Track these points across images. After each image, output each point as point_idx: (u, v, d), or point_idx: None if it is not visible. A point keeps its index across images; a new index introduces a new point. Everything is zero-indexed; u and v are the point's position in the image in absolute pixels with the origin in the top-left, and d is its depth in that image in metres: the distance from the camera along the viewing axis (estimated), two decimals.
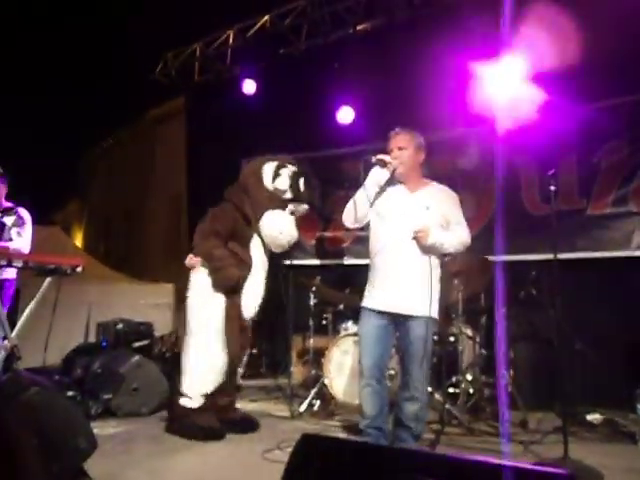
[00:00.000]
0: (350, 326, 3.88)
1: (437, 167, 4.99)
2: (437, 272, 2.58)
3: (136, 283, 6.76)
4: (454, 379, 3.57)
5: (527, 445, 2.86)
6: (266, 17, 5.49)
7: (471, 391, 3.53)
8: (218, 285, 3.07)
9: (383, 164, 2.54)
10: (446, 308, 3.77)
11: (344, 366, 3.62)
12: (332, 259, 5.38)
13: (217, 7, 6.19)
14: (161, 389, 3.59)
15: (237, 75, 5.66)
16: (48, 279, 2.95)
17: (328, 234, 5.44)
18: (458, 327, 3.64)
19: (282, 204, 3.21)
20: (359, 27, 5.10)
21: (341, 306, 4.09)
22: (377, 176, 2.56)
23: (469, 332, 3.76)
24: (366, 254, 5.60)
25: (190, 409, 3.00)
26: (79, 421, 2.05)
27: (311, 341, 4.08)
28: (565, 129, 4.04)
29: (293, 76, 5.24)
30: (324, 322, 4.15)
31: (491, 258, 4.09)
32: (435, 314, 2.51)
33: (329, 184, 5.55)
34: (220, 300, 3.10)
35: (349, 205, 2.63)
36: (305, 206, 3.30)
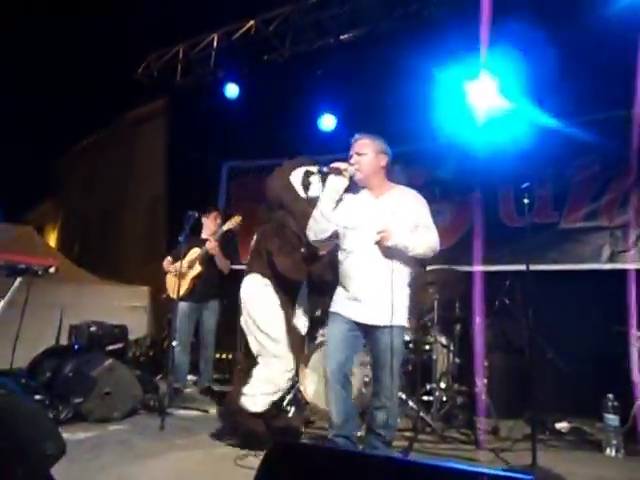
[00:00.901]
0: (326, 333, 3.88)
1: (416, 177, 5.09)
2: (406, 279, 2.53)
3: (111, 285, 6.65)
4: (428, 387, 3.60)
5: (498, 452, 2.90)
6: (251, 22, 5.52)
7: (444, 399, 3.57)
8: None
9: (338, 172, 2.51)
10: (421, 317, 3.82)
11: (320, 372, 3.61)
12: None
13: (202, 10, 6.18)
14: (134, 393, 3.53)
15: (220, 79, 5.66)
16: (19, 279, 2.87)
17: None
18: (433, 336, 3.68)
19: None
20: (342, 36, 5.15)
21: (318, 312, 4.10)
22: (334, 185, 2.53)
23: (443, 341, 3.80)
24: None
25: (247, 412, 2.88)
26: (46, 425, 2.00)
27: None
28: (541, 143, 4.16)
29: (276, 82, 5.26)
30: None
31: (467, 268, 4.17)
32: (402, 322, 2.47)
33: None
34: (281, 311, 3.00)
35: (311, 219, 2.58)
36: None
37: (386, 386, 2.43)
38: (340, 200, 2.57)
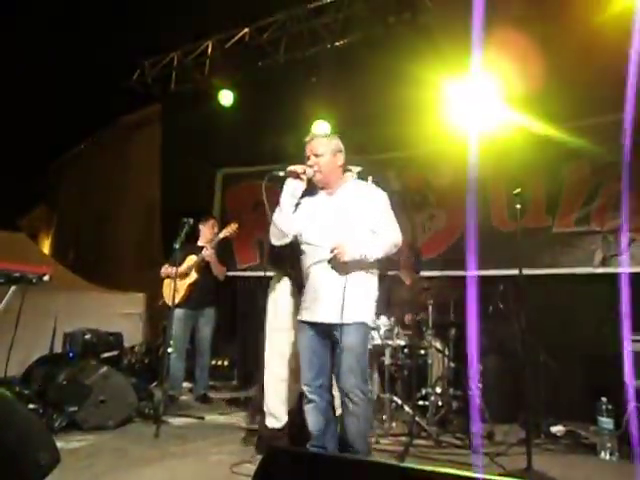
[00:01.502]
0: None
1: (410, 183, 5.12)
2: (365, 275, 2.45)
3: (106, 292, 6.62)
4: (423, 392, 3.61)
5: (493, 457, 2.91)
6: (245, 30, 5.53)
7: (440, 404, 3.58)
8: None
9: (295, 175, 2.50)
10: (417, 322, 3.84)
11: None
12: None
13: (196, 17, 6.21)
14: (129, 401, 3.51)
15: (214, 86, 5.66)
16: (12, 288, 2.86)
17: None
18: (428, 340, 3.70)
19: None
20: (336, 43, 5.19)
21: None
22: (292, 189, 2.52)
23: (438, 345, 3.82)
24: None
25: (277, 430, 2.92)
26: (41, 435, 1.99)
27: None
28: (532, 148, 4.20)
29: (270, 89, 5.28)
30: None
31: (461, 273, 4.19)
32: (357, 318, 2.37)
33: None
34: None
35: (271, 225, 2.56)
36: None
37: (349, 389, 2.35)
38: (298, 203, 2.57)
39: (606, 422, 3.00)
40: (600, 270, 4.04)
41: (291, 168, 2.51)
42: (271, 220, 2.55)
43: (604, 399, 3.03)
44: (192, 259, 4.25)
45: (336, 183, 2.58)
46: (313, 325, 2.46)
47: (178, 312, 4.17)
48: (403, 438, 3.19)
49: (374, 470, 1.40)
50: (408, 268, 4.28)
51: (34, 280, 2.88)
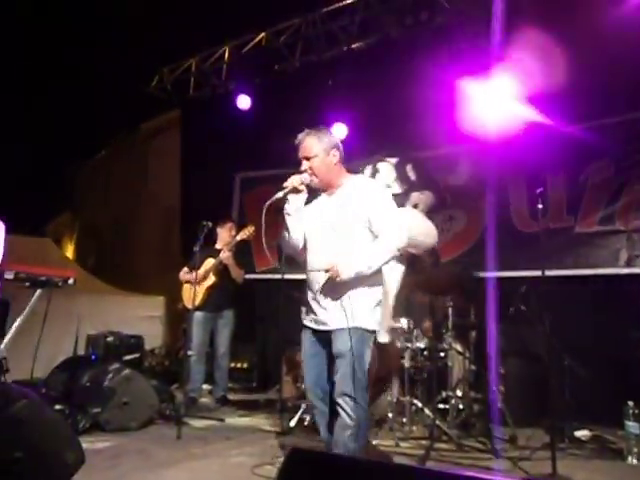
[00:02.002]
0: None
1: (428, 183, 5.09)
2: (365, 280, 2.31)
3: (127, 295, 6.73)
4: (444, 395, 3.57)
5: (516, 461, 2.86)
6: (262, 34, 5.59)
7: (461, 407, 3.54)
8: None
9: (295, 190, 2.35)
10: (436, 324, 3.80)
11: None
12: None
13: (213, 23, 6.28)
14: (151, 403, 3.56)
15: (232, 90, 5.73)
16: (39, 291, 2.93)
17: None
18: (448, 343, 3.66)
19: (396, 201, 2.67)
20: (353, 45, 5.20)
21: None
22: (293, 207, 2.37)
23: (459, 347, 3.78)
24: None
25: None
26: (67, 435, 2.03)
27: (300, 356, 4.06)
28: (553, 148, 4.13)
29: (287, 92, 5.32)
30: None
31: (482, 274, 4.14)
32: (352, 324, 2.23)
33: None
34: None
35: (282, 237, 2.46)
36: (428, 192, 2.84)
37: (338, 397, 2.23)
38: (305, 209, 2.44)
39: (633, 426, 2.92)
40: (626, 270, 3.94)
41: (287, 185, 2.35)
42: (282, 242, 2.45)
43: (631, 403, 2.95)
44: (210, 262, 4.29)
45: (337, 182, 2.42)
46: (314, 331, 2.40)
47: (197, 315, 4.21)
48: (424, 442, 3.16)
49: (396, 473, 1.39)
50: (427, 270, 4.25)
51: (59, 284, 2.96)
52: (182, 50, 6.39)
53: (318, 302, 2.36)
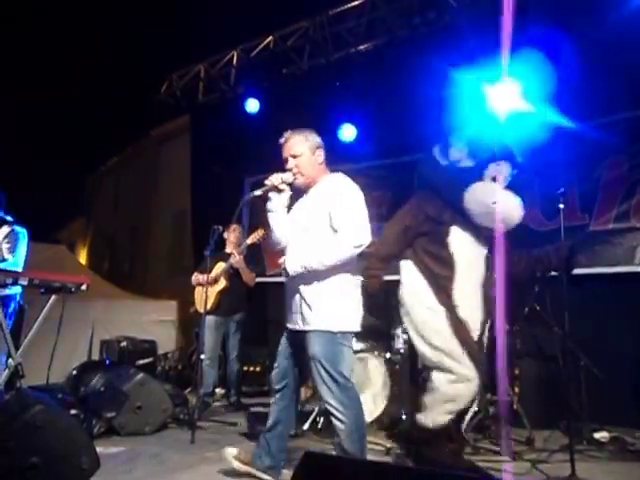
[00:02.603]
0: (354, 343, 3.86)
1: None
2: (333, 282, 2.30)
3: (140, 300, 6.79)
4: None
5: (534, 464, 2.81)
6: (269, 38, 5.60)
7: (476, 409, 3.49)
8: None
9: (276, 189, 2.38)
10: None
11: (360, 385, 3.59)
12: None
13: (221, 28, 6.34)
14: (164, 407, 3.57)
15: (241, 94, 5.75)
16: (53, 297, 2.96)
17: None
18: None
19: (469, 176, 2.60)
20: (360, 47, 5.19)
21: None
22: (275, 205, 2.41)
23: None
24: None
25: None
26: (82, 440, 2.05)
27: None
28: (565, 146, 4.08)
29: (296, 95, 5.32)
30: None
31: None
32: (323, 327, 2.26)
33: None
34: (442, 314, 2.58)
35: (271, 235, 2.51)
36: (503, 162, 2.63)
37: (325, 401, 2.30)
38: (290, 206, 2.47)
39: None
40: None
41: (268, 182, 2.38)
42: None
43: None
44: (221, 266, 4.30)
45: (316, 180, 2.43)
46: (289, 331, 2.46)
47: (209, 319, 4.22)
48: None
49: (410, 476, 1.37)
50: None
51: (73, 289, 2.98)
52: (190, 56, 6.46)
53: (287, 303, 2.43)
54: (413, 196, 2.86)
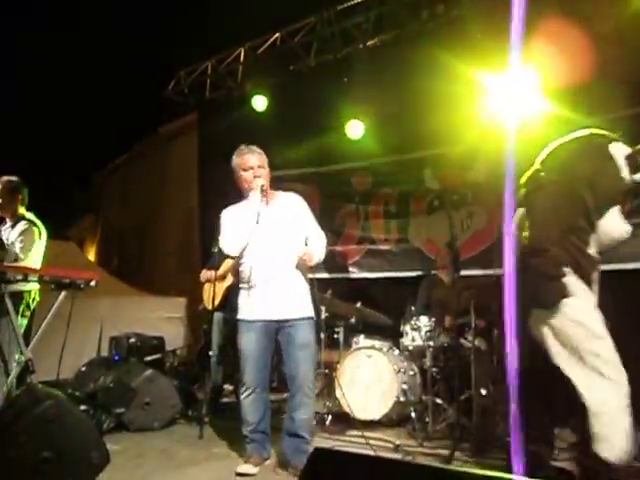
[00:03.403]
0: (362, 340, 3.86)
1: (447, 181, 5.02)
2: (303, 277, 2.73)
3: (149, 297, 6.82)
4: (467, 394, 3.51)
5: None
6: (276, 35, 5.59)
7: (485, 406, 3.48)
8: None
9: (265, 193, 2.68)
10: (459, 321, 3.75)
11: (356, 380, 3.59)
12: (343, 273, 5.38)
13: (228, 25, 6.33)
14: (173, 403, 3.59)
15: (248, 91, 5.74)
16: (63, 293, 2.98)
17: (339, 248, 5.45)
18: (470, 341, 3.60)
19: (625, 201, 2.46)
20: (368, 43, 5.15)
21: (352, 319, 4.08)
22: (256, 205, 2.66)
23: (481, 346, 3.71)
24: (377, 268, 5.59)
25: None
26: (92, 435, 2.06)
27: (322, 355, 4.06)
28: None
29: (303, 92, 5.30)
30: (335, 336, 4.14)
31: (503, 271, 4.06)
32: (301, 314, 2.65)
33: (339, 198, 5.57)
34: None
35: (232, 237, 2.71)
36: None
37: (297, 383, 2.61)
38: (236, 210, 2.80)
39: None
40: None
41: (262, 183, 2.70)
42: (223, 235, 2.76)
43: None
44: (228, 263, 4.30)
45: (270, 195, 2.79)
46: (261, 323, 2.65)
47: (217, 316, 4.23)
48: (447, 441, 3.11)
49: (420, 473, 1.36)
50: (447, 268, 4.19)
51: (82, 285, 3.00)
52: (198, 53, 6.46)
53: (263, 293, 2.65)
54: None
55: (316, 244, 2.72)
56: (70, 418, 1.96)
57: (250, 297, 2.69)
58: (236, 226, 2.69)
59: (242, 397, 2.72)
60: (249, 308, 2.70)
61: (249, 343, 2.68)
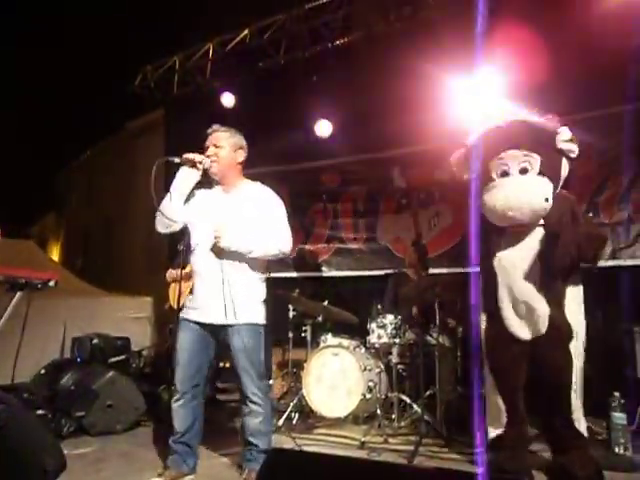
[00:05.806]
0: (329, 338, 3.87)
1: (415, 180, 5.08)
2: (253, 276, 2.50)
3: (114, 297, 6.64)
4: (432, 390, 3.57)
5: None
6: (245, 31, 5.53)
7: (449, 402, 3.54)
8: None
9: (192, 163, 2.45)
10: (424, 319, 3.80)
11: (323, 378, 3.60)
12: (311, 271, 5.38)
13: (196, 21, 6.23)
14: (136, 405, 3.51)
15: (216, 88, 5.67)
16: (18, 294, 2.87)
17: (308, 247, 5.45)
18: (436, 338, 3.66)
19: None
20: (337, 42, 5.16)
21: (320, 318, 4.08)
22: (186, 178, 2.48)
23: (447, 343, 3.78)
24: (346, 267, 5.61)
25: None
26: (47, 440, 1.99)
27: (290, 354, 4.05)
28: None
29: (272, 90, 5.27)
30: (303, 334, 4.13)
31: (469, 269, 4.14)
32: (246, 320, 2.44)
33: (308, 197, 5.57)
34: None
35: (158, 212, 2.53)
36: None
37: (247, 389, 2.45)
38: (191, 193, 2.54)
39: (619, 417, 2.94)
40: (610, 263, 3.97)
41: (187, 155, 2.46)
42: (157, 208, 2.52)
43: (617, 394, 2.97)
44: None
45: (233, 180, 2.56)
46: (202, 325, 2.48)
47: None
48: (412, 437, 3.16)
49: (379, 470, 1.37)
50: (414, 266, 4.25)
51: (39, 286, 2.89)
52: (165, 48, 6.33)
53: (206, 294, 2.47)
54: None
55: (261, 239, 2.44)
56: (22, 424, 1.89)
57: (193, 294, 2.52)
58: (176, 198, 2.49)
59: (172, 401, 2.52)
60: (190, 306, 2.53)
61: (182, 343, 2.48)
